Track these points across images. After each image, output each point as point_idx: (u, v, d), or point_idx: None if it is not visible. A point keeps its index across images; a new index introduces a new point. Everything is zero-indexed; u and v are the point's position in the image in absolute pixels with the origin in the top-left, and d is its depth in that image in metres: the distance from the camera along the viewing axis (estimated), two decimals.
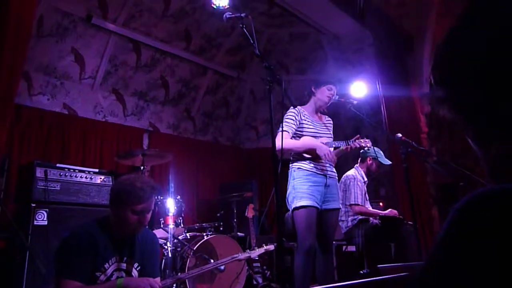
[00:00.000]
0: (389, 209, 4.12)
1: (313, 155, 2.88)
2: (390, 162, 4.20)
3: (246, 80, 7.06)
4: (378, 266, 1.89)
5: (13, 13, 2.83)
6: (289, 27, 6.39)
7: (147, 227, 2.26)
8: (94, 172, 3.88)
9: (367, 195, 4.18)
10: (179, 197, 3.95)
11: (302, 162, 2.90)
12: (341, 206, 3.77)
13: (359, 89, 4.76)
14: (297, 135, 2.95)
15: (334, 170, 3.03)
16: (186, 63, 6.16)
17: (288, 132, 2.87)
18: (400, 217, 4.08)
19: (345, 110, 3.32)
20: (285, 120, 2.92)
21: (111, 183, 3.88)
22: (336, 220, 3.07)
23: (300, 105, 3.05)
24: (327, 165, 2.95)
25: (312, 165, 2.88)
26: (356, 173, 4.16)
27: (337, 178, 3.07)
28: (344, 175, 4.13)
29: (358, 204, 3.97)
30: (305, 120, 2.97)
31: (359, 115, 3.13)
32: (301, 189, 2.82)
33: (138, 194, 2.00)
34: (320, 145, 2.86)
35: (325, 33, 6.15)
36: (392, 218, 4.01)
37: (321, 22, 5.83)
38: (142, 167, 3.72)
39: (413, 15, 5.62)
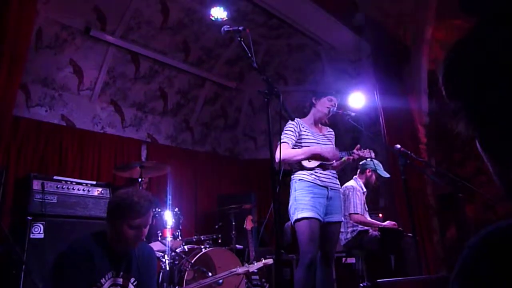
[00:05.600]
0: (388, 221, 4.10)
1: (315, 163, 2.87)
2: (389, 175, 4.19)
3: (245, 90, 7.08)
4: (378, 280, 1.87)
5: (11, 25, 2.84)
6: (287, 38, 6.42)
7: (144, 240, 2.24)
8: (92, 185, 3.86)
9: (365, 205, 4.17)
10: (177, 209, 3.92)
11: (304, 173, 2.88)
12: None
13: (357, 100, 4.78)
14: (297, 147, 2.95)
15: (337, 182, 3.01)
16: (184, 74, 6.18)
17: (288, 143, 2.87)
18: (400, 229, 4.06)
19: (343, 122, 3.32)
20: (284, 132, 2.92)
21: (108, 196, 3.86)
22: (338, 234, 3.04)
23: (299, 117, 3.05)
24: (330, 176, 2.93)
25: (314, 176, 2.86)
26: (355, 183, 4.16)
27: (340, 190, 3.05)
28: (343, 186, 4.12)
29: (357, 213, 3.96)
30: (305, 131, 2.97)
31: (357, 127, 3.13)
32: (302, 200, 2.80)
33: (135, 209, 1.99)
34: (322, 148, 2.87)
35: (323, 44, 6.19)
36: (392, 230, 3.99)
37: (319, 33, 5.87)
38: (140, 179, 3.70)
39: (410, 26, 5.67)
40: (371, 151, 2.99)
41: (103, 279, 2.01)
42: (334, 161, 2.95)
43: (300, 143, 2.94)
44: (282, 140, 2.85)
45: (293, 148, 2.91)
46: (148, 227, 2.10)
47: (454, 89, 0.53)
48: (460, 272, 0.45)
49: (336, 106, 3.05)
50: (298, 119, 3.02)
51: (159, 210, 3.78)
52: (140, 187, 3.67)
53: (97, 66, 5.27)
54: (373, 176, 4.21)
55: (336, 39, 5.99)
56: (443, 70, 0.54)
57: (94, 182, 3.94)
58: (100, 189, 3.88)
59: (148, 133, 6.04)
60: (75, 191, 3.72)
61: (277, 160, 2.29)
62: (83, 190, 3.77)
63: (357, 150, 2.95)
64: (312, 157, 2.86)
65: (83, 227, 3.54)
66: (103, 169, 5.16)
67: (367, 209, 4.19)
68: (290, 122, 2.90)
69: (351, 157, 2.91)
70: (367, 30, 5.62)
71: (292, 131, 2.92)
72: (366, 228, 4.02)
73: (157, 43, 5.61)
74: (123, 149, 5.53)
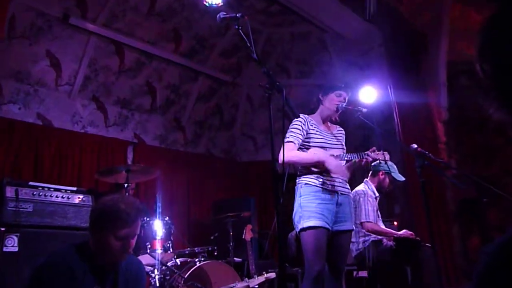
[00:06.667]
0: (404, 230, 4.11)
1: (322, 169, 2.87)
2: (404, 179, 4.20)
3: (242, 85, 7.09)
4: None
5: None
6: (290, 26, 6.43)
7: (132, 253, 2.24)
8: (72, 191, 3.85)
9: (378, 212, 4.18)
10: (167, 218, 3.93)
11: (310, 176, 2.88)
12: None
13: (369, 94, 4.78)
14: (304, 147, 2.95)
15: (347, 186, 3.01)
16: (175, 67, 6.18)
17: (294, 143, 2.87)
18: (417, 238, 4.07)
19: (353, 119, 3.33)
20: (290, 129, 2.93)
21: (91, 203, 3.85)
22: (348, 244, 3.04)
23: (306, 114, 3.05)
24: (339, 180, 2.94)
25: (321, 180, 2.86)
26: (366, 188, 4.16)
27: (350, 195, 3.05)
28: (353, 191, 4.12)
29: (369, 222, 3.96)
30: (313, 129, 2.97)
31: (369, 124, 3.14)
32: (308, 207, 2.80)
33: (122, 218, 1.99)
34: (329, 158, 2.86)
35: (330, 32, 6.20)
36: (408, 240, 3.99)
37: (325, 20, 5.88)
38: (126, 185, 3.72)
39: (426, 11, 5.68)
40: (386, 153, 2.99)
41: None
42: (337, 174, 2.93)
43: (308, 142, 2.95)
44: (287, 139, 2.85)
45: (299, 148, 2.92)
46: (136, 238, 2.10)
47: (487, 69, 0.55)
48: (478, 281, 0.46)
49: (346, 101, 3.05)
50: (306, 116, 3.02)
51: (148, 219, 3.78)
52: (127, 194, 3.66)
53: (77, 58, 5.27)
54: (386, 179, 4.21)
55: (344, 26, 6.00)
56: (476, 50, 0.56)
57: (75, 189, 3.93)
58: (81, 196, 3.87)
59: (134, 133, 6.04)
60: (53, 199, 3.71)
61: (281, 161, 2.29)
62: (62, 197, 3.76)
63: (371, 152, 2.94)
64: (316, 164, 2.87)
65: (62, 238, 3.53)
66: (84, 174, 5.16)
67: (380, 216, 4.19)
68: (297, 118, 2.91)
69: (363, 160, 2.90)
70: (379, 17, 5.63)
71: (299, 129, 2.92)
72: (379, 237, 4.03)
73: (144, 32, 5.62)
74: (106, 151, 5.52)
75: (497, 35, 0.55)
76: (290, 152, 2.78)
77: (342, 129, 3.22)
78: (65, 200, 3.76)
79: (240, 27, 2.13)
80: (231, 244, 4.56)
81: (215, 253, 4.29)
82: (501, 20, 0.54)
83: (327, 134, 3.04)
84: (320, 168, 2.87)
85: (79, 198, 3.85)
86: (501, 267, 0.45)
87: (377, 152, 2.95)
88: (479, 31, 0.57)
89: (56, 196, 3.73)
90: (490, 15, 0.55)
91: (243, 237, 4.41)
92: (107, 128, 5.73)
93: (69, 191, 3.83)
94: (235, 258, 4.60)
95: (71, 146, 5.18)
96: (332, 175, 2.89)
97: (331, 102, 3.03)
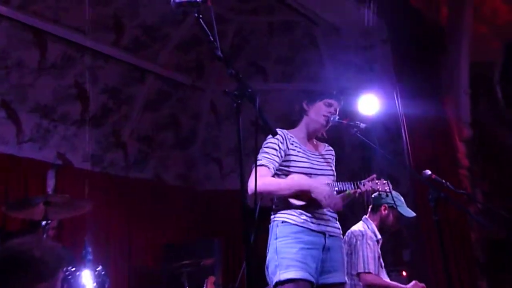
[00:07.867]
0: (414, 281, 4.16)
1: (306, 201, 2.89)
2: (414, 214, 4.26)
3: (205, 89, 7.11)
4: None
5: None
6: (268, 14, 6.52)
7: None
8: None
9: (381, 259, 4.22)
10: (100, 267, 3.89)
11: (289, 212, 2.90)
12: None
13: (370, 104, 4.88)
14: (282, 172, 2.97)
15: (337, 225, 3.03)
16: (114, 64, 6.16)
17: (268, 168, 2.88)
18: None
19: (349, 136, 3.38)
20: (263, 149, 2.94)
21: None
22: None
23: (285, 128, 3.08)
24: (327, 217, 2.96)
25: (304, 217, 2.88)
26: (365, 228, 4.19)
27: (341, 237, 3.08)
28: (348, 231, 4.15)
29: (369, 273, 3.99)
30: (294, 149, 3.00)
31: (369, 143, 3.19)
32: (286, 254, 2.81)
33: (37, 269, 1.96)
34: (316, 186, 2.88)
35: (320, 23, 6.31)
36: None
37: (314, 8, 5.98)
38: (44, 222, 3.67)
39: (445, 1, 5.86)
40: (387, 182, 3.03)
41: None
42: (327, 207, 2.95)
43: (287, 166, 2.97)
44: (259, 162, 2.86)
45: (275, 174, 2.93)
46: None
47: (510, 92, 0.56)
48: None
49: (337, 113, 3.10)
50: (285, 131, 3.04)
51: (74, 269, 3.70)
52: (45, 235, 3.62)
53: None
54: (391, 216, 4.25)
55: (338, 16, 6.11)
56: (498, 69, 0.57)
57: None
58: None
59: (57, 152, 5.97)
60: None
61: (250, 191, 2.29)
62: None
63: (369, 181, 2.98)
64: (300, 194, 2.88)
65: None
66: None
67: (383, 265, 4.23)
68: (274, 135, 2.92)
69: (359, 190, 2.94)
70: (384, 5, 5.76)
71: (275, 149, 2.93)
72: None
73: (73, 18, 5.59)
74: (18, 176, 5.45)
75: None
76: (262, 179, 2.78)
77: (331, 148, 3.25)
78: None
79: (200, 14, 2.15)
80: None
81: None
82: None
83: (313, 155, 3.07)
84: (303, 200, 2.88)
85: None
86: None
87: (377, 181, 2.99)
88: (502, 47, 0.59)
89: None
90: None
91: None
92: (19, 145, 5.64)
93: None
94: None
95: None
96: (318, 211, 2.91)
97: (318, 112, 3.07)
